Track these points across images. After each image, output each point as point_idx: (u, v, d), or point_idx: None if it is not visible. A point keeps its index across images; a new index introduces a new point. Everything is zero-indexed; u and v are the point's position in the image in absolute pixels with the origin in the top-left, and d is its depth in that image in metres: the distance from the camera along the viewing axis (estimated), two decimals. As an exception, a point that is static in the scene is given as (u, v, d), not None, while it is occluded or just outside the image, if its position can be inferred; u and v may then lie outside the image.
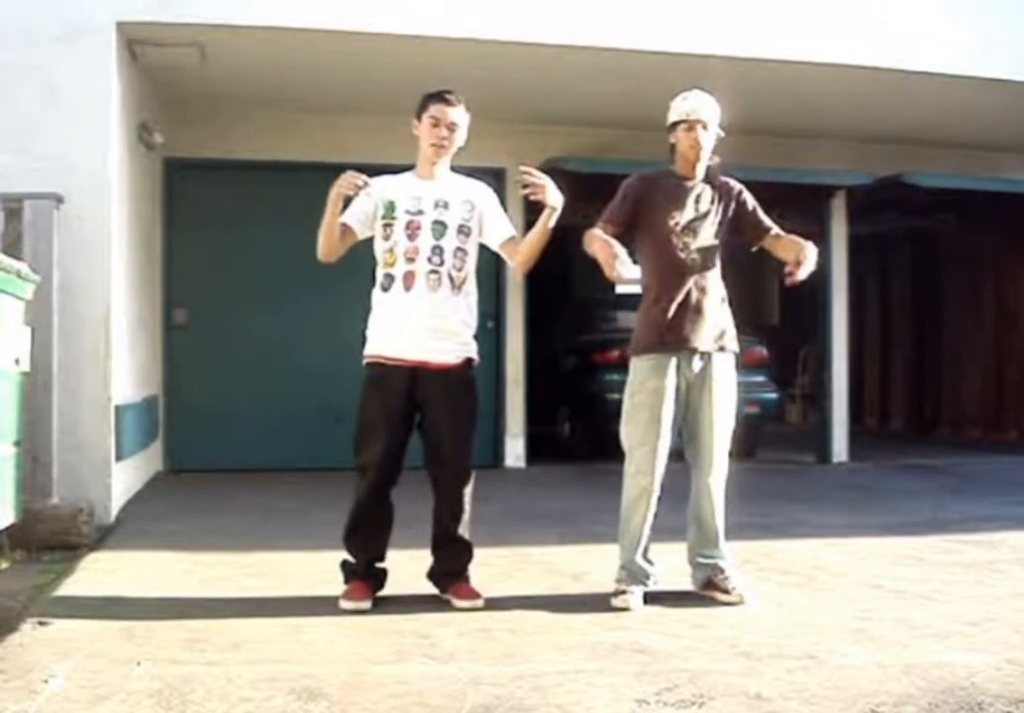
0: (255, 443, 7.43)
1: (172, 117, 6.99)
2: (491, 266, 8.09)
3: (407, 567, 4.21)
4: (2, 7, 5.21)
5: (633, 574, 3.71)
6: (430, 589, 3.86)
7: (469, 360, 3.85)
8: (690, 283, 3.71)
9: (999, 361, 10.09)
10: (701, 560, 3.80)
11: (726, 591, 3.70)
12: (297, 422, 7.39)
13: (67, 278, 5.00)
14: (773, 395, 8.56)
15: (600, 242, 3.59)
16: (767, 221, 3.86)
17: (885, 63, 6.28)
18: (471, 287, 3.84)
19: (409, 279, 3.64)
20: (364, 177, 3.58)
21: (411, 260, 3.64)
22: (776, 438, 9.45)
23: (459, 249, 3.74)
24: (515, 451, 7.91)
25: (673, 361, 3.69)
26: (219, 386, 7.49)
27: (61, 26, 5.22)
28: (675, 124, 3.78)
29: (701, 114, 3.70)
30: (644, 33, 5.99)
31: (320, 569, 4.16)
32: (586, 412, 8.49)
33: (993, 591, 3.95)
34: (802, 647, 3.16)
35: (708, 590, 3.76)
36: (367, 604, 3.63)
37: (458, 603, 3.67)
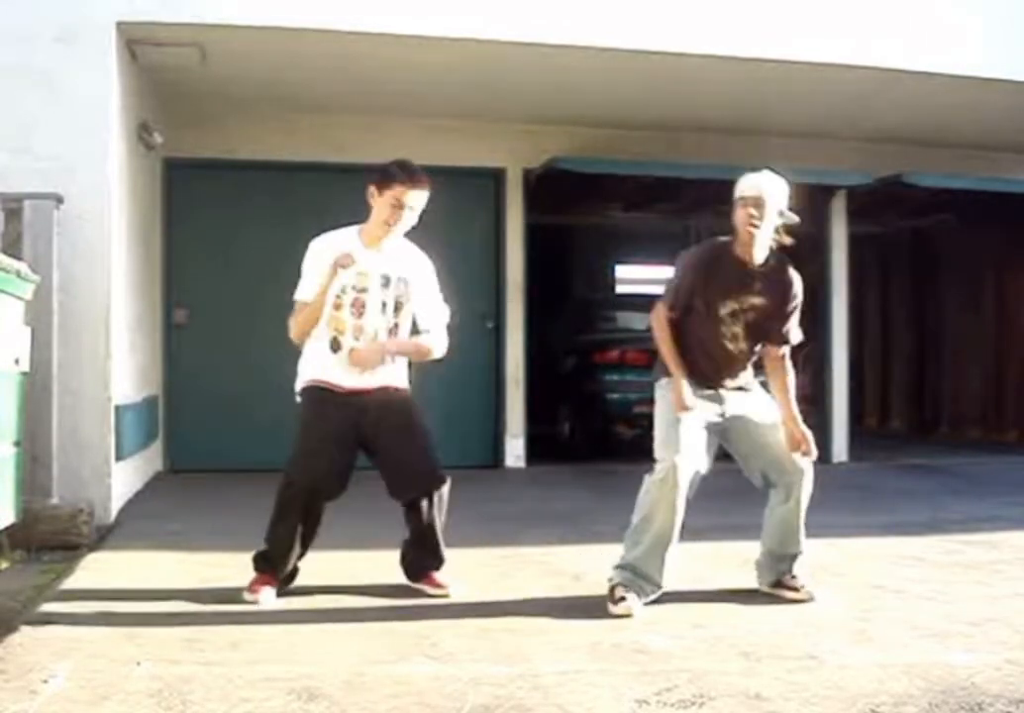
0: (255, 443, 7.41)
1: (172, 117, 6.99)
2: (491, 266, 8.12)
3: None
4: (2, 7, 5.20)
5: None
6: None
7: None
8: (733, 365, 3.79)
9: (999, 361, 10.09)
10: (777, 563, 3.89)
11: (795, 589, 3.81)
12: (296, 422, 7.38)
13: (67, 278, 5.00)
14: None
15: (672, 366, 3.70)
16: (790, 335, 3.81)
17: (884, 63, 6.28)
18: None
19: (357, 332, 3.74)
20: (352, 256, 3.64)
21: (356, 338, 3.73)
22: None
23: (396, 325, 3.83)
24: (515, 451, 7.90)
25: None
26: (219, 386, 7.49)
27: (61, 26, 5.21)
28: (735, 200, 3.69)
29: (758, 192, 3.59)
30: (644, 33, 5.98)
31: (320, 569, 4.16)
32: (586, 412, 8.50)
33: (993, 591, 3.95)
34: (802, 647, 3.16)
35: (777, 589, 3.85)
36: (272, 594, 3.72)
37: (431, 590, 3.82)
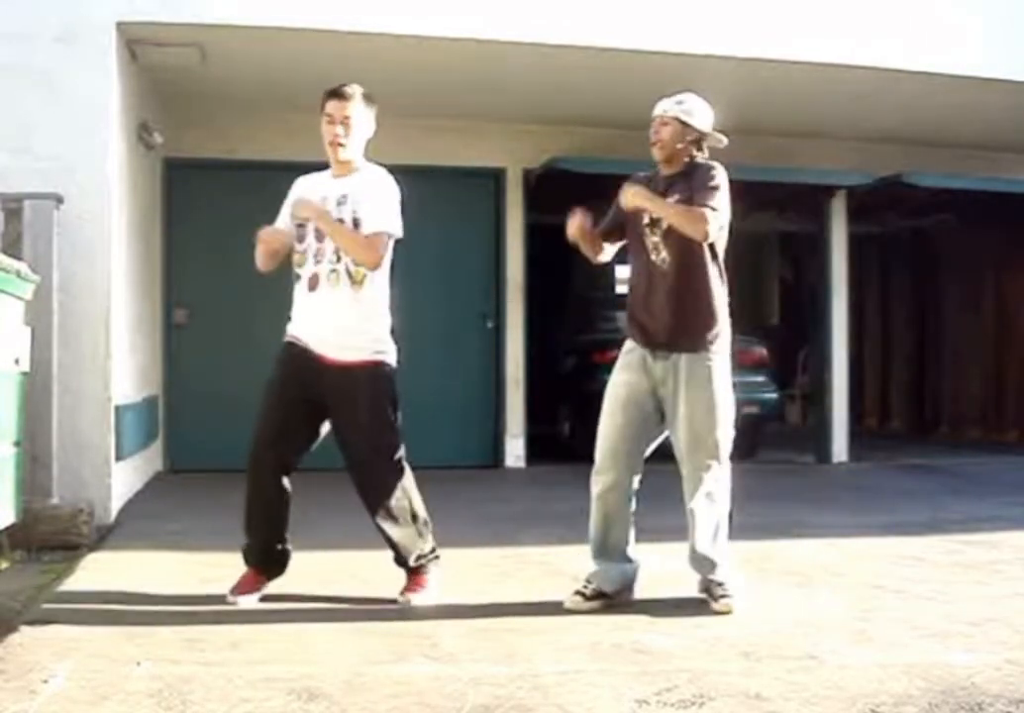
0: (255, 443, 7.42)
1: (172, 117, 7.00)
2: (490, 266, 8.12)
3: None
4: (2, 7, 5.20)
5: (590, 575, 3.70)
6: (430, 589, 3.87)
7: (375, 362, 3.69)
8: (660, 282, 3.60)
9: (999, 361, 10.09)
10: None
11: (714, 599, 3.61)
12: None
13: (67, 278, 5.00)
14: (773, 395, 8.55)
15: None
16: (701, 199, 3.59)
17: (884, 63, 6.28)
18: (374, 285, 3.69)
19: (313, 280, 3.68)
20: (269, 229, 3.82)
21: (318, 262, 3.67)
22: (776, 438, 9.45)
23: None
24: (515, 451, 7.90)
25: (642, 356, 3.66)
26: (219, 386, 7.49)
27: (61, 26, 5.21)
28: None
29: (661, 110, 3.66)
30: (644, 33, 5.99)
31: (320, 569, 4.17)
32: (586, 412, 8.49)
33: (993, 591, 3.95)
34: (802, 647, 3.16)
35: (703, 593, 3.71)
36: (254, 598, 3.65)
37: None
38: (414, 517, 3.72)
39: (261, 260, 3.87)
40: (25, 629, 3.27)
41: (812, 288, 9.02)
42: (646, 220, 3.63)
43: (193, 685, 2.75)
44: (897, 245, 10.98)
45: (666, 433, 3.70)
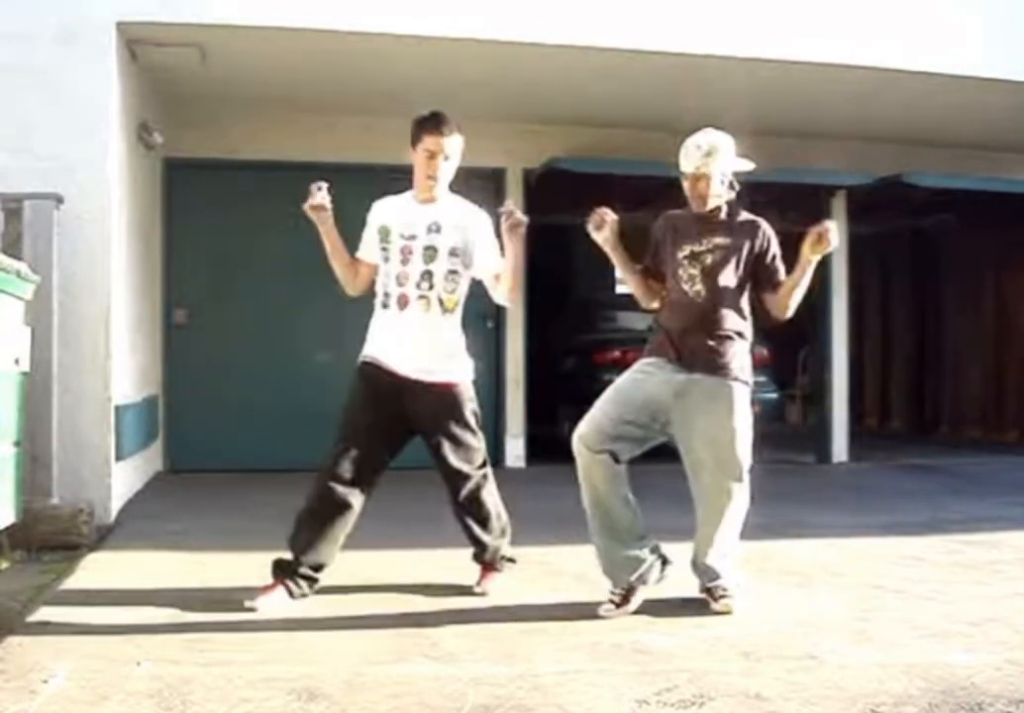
0: (255, 443, 7.42)
1: (172, 117, 6.99)
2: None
3: (408, 567, 4.23)
4: (2, 7, 5.20)
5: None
6: (429, 589, 3.87)
7: (464, 382, 3.92)
8: (692, 311, 3.68)
9: (999, 361, 10.08)
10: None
11: (715, 599, 3.63)
12: (297, 422, 7.38)
13: (67, 278, 5.00)
14: (773, 395, 8.55)
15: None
16: (781, 273, 3.75)
17: (884, 63, 6.28)
18: (460, 310, 3.85)
19: (403, 301, 3.75)
20: (319, 184, 3.84)
21: (401, 284, 3.74)
22: (776, 438, 9.43)
23: (450, 272, 3.77)
24: (515, 451, 7.90)
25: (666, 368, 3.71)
26: (219, 386, 7.49)
27: (61, 26, 5.21)
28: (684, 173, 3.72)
29: (693, 166, 3.65)
30: (644, 33, 5.98)
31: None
32: (586, 412, 8.49)
33: (993, 591, 3.95)
34: (802, 647, 3.16)
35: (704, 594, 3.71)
36: (272, 602, 3.62)
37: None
38: (498, 518, 3.95)
39: (343, 276, 3.93)
40: (25, 629, 3.28)
41: (812, 288, 9.01)
42: (686, 252, 3.68)
43: (193, 685, 2.75)
44: (897, 245, 10.97)
45: (651, 443, 3.74)
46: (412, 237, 3.75)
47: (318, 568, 3.73)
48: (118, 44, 5.42)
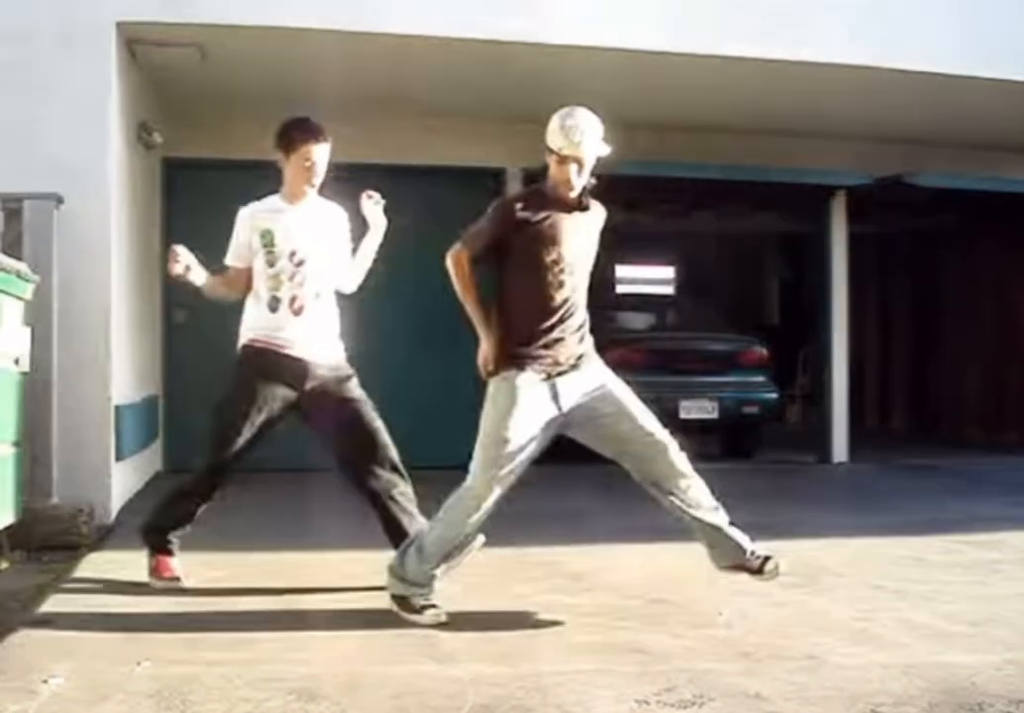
0: (255, 443, 7.41)
1: (172, 117, 6.99)
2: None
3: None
4: (2, 7, 5.20)
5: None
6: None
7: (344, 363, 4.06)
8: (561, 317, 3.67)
9: (999, 361, 10.08)
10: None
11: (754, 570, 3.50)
12: (297, 422, 7.38)
13: (67, 278, 4.99)
14: (773, 395, 8.55)
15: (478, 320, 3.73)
16: None
17: (885, 63, 6.28)
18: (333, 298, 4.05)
19: (295, 302, 3.89)
20: (177, 251, 3.97)
21: (299, 285, 3.89)
22: (776, 438, 9.44)
23: (328, 273, 3.97)
24: (515, 451, 7.89)
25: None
26: (219, 386, 7.45)
27: (61, 26, 5.21)
28: (549, 148, 3.61)
29: (579, 150, 3.55)
30: (644, 33, 5.98)
31: (320, 569, 4.17)
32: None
33: (993, 591, 3.95)
34: (802, 647, 3.16)
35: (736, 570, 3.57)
36: (180, 578, 3.91)
37: None
38: None
39: (220, 295, 4.14)
40: (25, 629, 3.28)
41: (812, 288, 9.01)
42: (554, 255, 3.59)
43: (193, 685, 2.75)
44: (897, 245, 10.97)
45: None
46: (293, 239, 3.91)
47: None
48: (118, 44, 5.42)
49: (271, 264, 3.89)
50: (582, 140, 3.49)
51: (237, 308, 7.00)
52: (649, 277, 13.33)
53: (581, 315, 3.60)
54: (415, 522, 3.83)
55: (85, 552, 4.56)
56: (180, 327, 7.57)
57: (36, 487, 4.61)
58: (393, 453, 3.93)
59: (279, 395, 3.94)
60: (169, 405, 7.47)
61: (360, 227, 4.09)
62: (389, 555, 3.88)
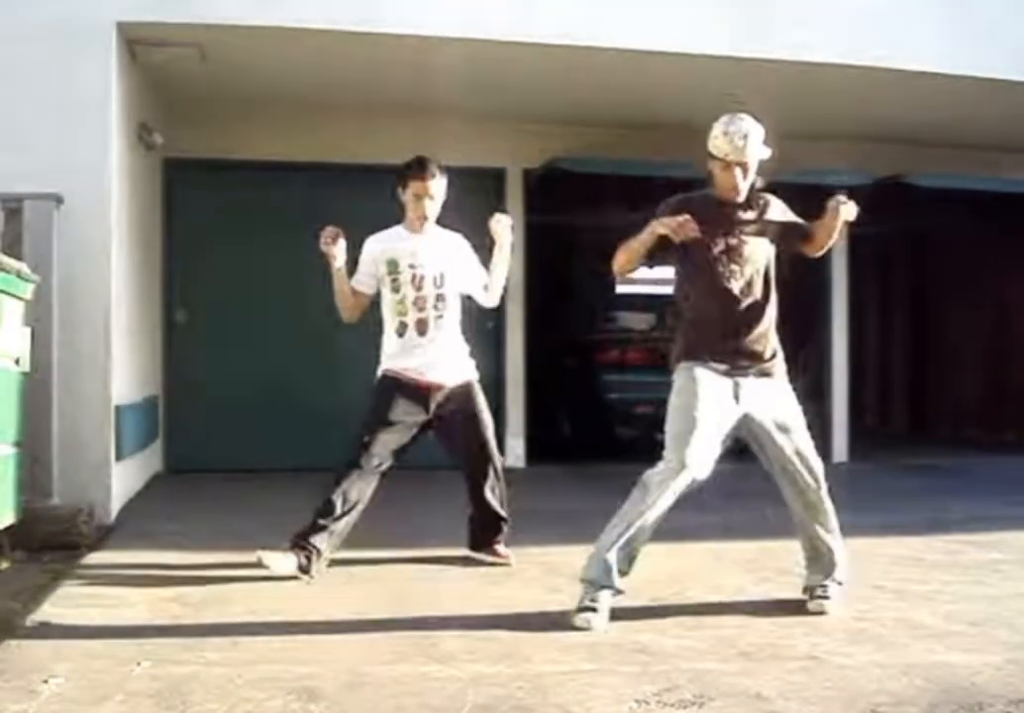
0: (254, 443, 7.42)
1: (172, 117, 6.99)
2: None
3: (407, 567, 4.23)
4: (2, 7, 5.20)
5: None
6: (429, 589, 3.87)
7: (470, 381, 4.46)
8: (735, 316, 3.63)
9: (999, 361, 10.09)
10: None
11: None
12: (296, 422, 7.39)
13: (67, 278, 4.99)
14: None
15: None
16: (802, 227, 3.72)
17: (885, 63, 6.28)
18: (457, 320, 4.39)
19: (422, 325, 4.23)
20: (334, 230, 4.13)
21: (421, 309, 4.22)
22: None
23: (452, 295, 4.30)
24: (515, 451, 7.90)
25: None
26: (219, 386, 7.49)
27: (61, 26, 5.21)
28: (713, 155, 3.61)
29: (744, 156, 3.56)
30: (644, 33, 5.98)
31: (319, 569, 4.17)
32: (586, 412, 8.49)
33: (993, 591, 3.95)
34: (802, 647, 3.16)
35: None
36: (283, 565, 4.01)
37: (490, 559, 4.36)
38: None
39: (347, 311, 4.33)
40: (25, 629, 3.28)
41: (812, 288, 9.01)
42: (721, 247, 3.57)
43: (193, 685, 2.75)
44: (897, 245, 10.98)
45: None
46: (418, 266, 4.23)
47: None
48: (118, 44, 5.42)
49: (396, 291, 4.22)
50: (746, 145, 3.55)
51: (238, 309, 7.03)
52: (649, 277, 13.32)
53: (762, 316, 3.63)
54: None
55: (85, 552, 4.56)
56: (180, 327, 7.57)
57: (36, 487, 4.61)
58: (495, 464, 4.39)
59: (411, 416, 4.22)
60: (169, 405, 7.47)
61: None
62: (391, 555, 3.89)
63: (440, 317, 4.25)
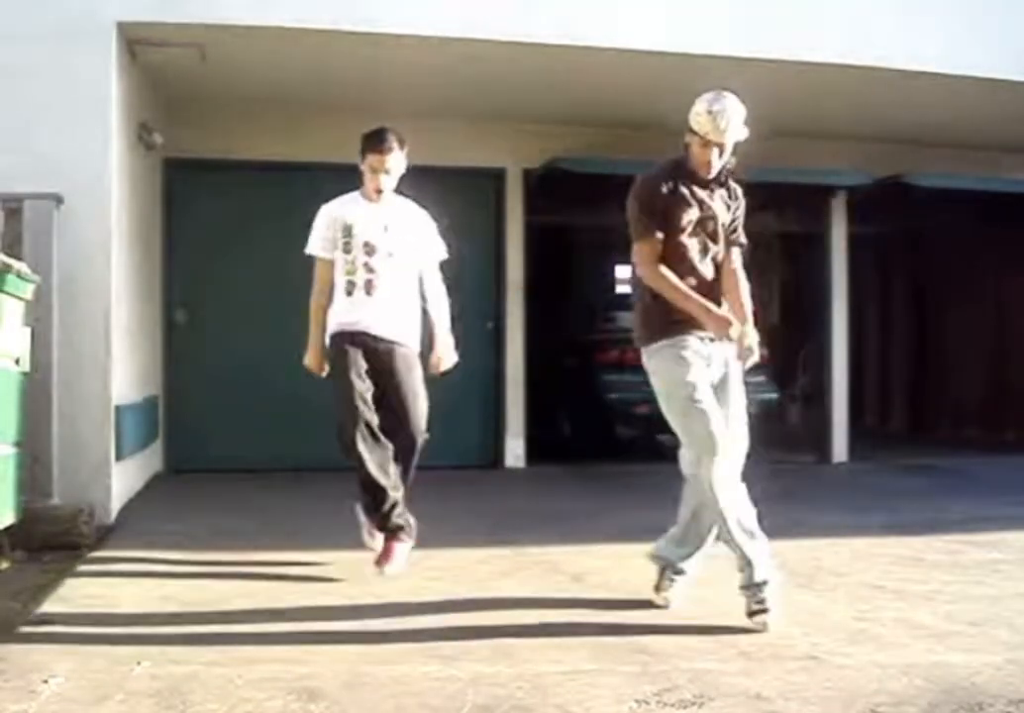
0: (255, 443, 7.42)
1: (172, 117, 6.99)
2: (491, 266, 8.12)
3: (407, 567, 4.22)
4: (2, 7, 5.20)
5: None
6: (429, 589, 3.87)
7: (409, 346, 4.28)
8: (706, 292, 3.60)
9: (999, 361, 10.08)
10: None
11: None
12: (296, 422, 7.39)
13: (67, 278, 5.00)
14: (773, 395, 8.55)
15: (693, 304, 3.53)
16: (740, 238, 3.74)
17: (885, 63, 6.28)
18: (415, 296, 4.31)
19: (369, 286, 4.16)
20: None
21: (370, 271, 4.16)
22: (776, 438, 9.44)
23: (402, 265, 4.22)
24: (515, 451, 7.90)
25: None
26: (219, 386, 7.49)
27: (61, 26, 5.21)
28: (693, 130, 3.55)
29: (724, 137, 3.51)
30: (644, 33, 5.98)
31: (320, 569, 4.17)
32: (586, 412, 8.49)
33: (993, 591, 3.95)
34: (802, 647, 3.16)
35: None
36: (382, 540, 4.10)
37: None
38: None
39: (322, 297, 4.30)
40: (25, 629, 3.28)
41: (812, 288, 9.02)
42: (692, 219, 3.56)
43: (193, 685, 2.75)
44: (897, 245, 10.98)
45: None
46: (370, 232, 4.17)
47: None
48: (118, 44, 5.42)
49: (347, 252, 4.18)
50: (727, 127, 3.49)
51: (238, 309, 7.02)
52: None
53: (720, 291, 3.64)
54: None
55: (85, 552, 4.56)
56: (180, 327, 7.57)
57: (36, 487, 4.61)
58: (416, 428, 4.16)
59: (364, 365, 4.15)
60: (169, 405, 7.47)
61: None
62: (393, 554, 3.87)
63: (389, 281, 4.17)
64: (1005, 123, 7.64)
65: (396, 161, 4.24)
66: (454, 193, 8.00)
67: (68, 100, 5.18)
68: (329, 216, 4.25)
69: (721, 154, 3.57)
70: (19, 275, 3.95)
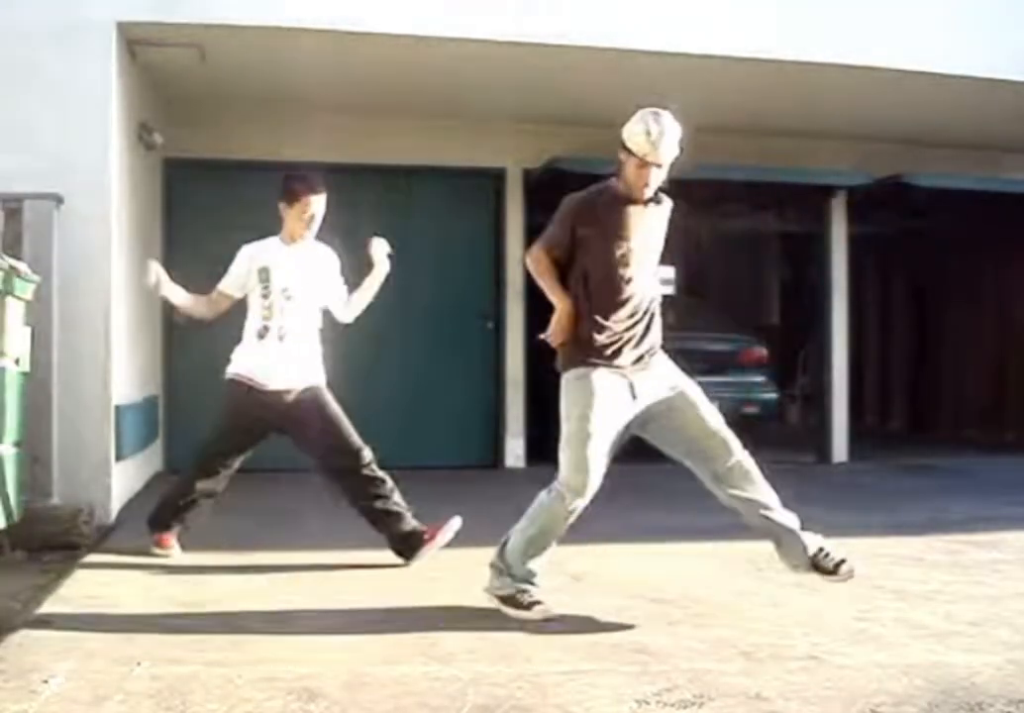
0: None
1: (172, 117, 6.99)
2: (490, 267, 8.12)
3: (407, 567, 4.23)
4: (2, 7, 5.20)
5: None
6: (428, 589, 3.86)
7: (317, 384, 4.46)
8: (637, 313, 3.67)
9: (999, 361, 10.08)
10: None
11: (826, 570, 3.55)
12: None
13: (67, 278, 5.00)
14: (772, 395, 8.55)
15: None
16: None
17: (885, 63, 6.28)
18: (317, 334, 4.51)
19: (283, 331, 4.34)
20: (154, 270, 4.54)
21: (286, 316, 4.34)
22: (776, 438, 9.44)
23: (315, 307, 4.42)
24: (515, 451, 7.91)
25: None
26: (219, 386, 7.46)
27: (61, 26, 5.21)
28: (629, 150, 3.55)
29: (660, 157, 3.50)
30: (644, 33, 5.98)
31: (319, 569, 4.17)
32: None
33: (993, 591, 3.95)
34: (802, 647, 3.16)
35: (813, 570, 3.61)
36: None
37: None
38: None
39: (197, 315, 4.71)
40: (25, 629, 3.28)
41: (812, 288, 9.02)
42: (622, 249, 3.59)
43: (193, 685, 2.75)
44: (897, 245, 10.97)
45: None
46: (287, 277, 4.34)
47: None
48: (118, 44, 5.42)
49: (265, 297, 4.36)
50: (666, 146, 3.47)
51: (236, 309, 7.05)
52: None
53: (648, 310, 3.64)
54: (404, 519, 4.25)
55: (85, 552, 4.56)
56: (180, 327, 7.56)
57: (36, 487, 4.61)
58: (367, 454, 4.31)
59: (261, 423, 4.43)
60: (169, 405, 7.47)
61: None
62: (386, 554, 3.88)
63: (301, 325, 4.36)
64: (1005, 123, 7.64)
65: (322, 204, 4.37)
66: (454, 193, 8.02)
67: (68, 100, 5.19)
68: (248, 258, 4.44)
69: (658, 174, 3.55)
70: (19, 275, 3.96)
